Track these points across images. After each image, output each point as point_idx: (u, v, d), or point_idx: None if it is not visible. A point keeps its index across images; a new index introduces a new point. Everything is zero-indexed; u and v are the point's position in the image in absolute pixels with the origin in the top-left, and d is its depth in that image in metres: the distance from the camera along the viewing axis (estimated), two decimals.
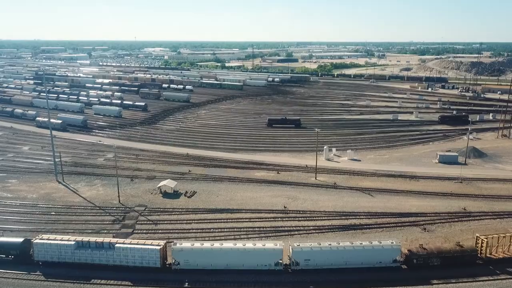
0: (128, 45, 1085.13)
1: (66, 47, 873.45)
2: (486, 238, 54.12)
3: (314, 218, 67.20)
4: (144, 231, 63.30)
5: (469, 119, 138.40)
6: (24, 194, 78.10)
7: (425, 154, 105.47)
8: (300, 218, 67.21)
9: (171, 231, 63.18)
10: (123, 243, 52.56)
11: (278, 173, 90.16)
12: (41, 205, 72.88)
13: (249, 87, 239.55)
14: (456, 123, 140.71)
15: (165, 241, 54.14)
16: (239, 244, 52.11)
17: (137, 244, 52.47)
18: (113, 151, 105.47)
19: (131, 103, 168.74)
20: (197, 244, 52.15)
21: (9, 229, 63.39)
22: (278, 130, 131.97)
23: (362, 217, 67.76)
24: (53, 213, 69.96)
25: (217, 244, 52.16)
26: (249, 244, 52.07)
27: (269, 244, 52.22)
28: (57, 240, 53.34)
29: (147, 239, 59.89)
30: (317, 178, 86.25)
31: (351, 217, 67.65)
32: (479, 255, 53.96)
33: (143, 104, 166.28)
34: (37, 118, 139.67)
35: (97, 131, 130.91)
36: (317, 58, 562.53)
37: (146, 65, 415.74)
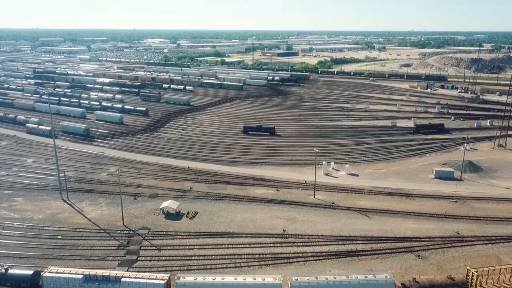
0: (128, 35, 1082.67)
1: (65, 37, 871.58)
2: (476, 271, 56.46)
3: (312, 244, 69.46)
4: (148, 258, 65.61)
5: (444, 128, 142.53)
6: (31, 215, 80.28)
7: (422, 167, 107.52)
8: (299, 244, 69.46)
9: (174, 258, 65.51)
10: (128, 277, 54.81)
11: (277, 190, 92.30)
12: (47, 228, 75.05)
13: (249, 86, 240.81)
14: (432, 132, 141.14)
15: (169, 275, 56.35)
16: (240, 278, 54.33)
17: (142, 278, 54.66)
18: (116, 165, 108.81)
19: (132, 107, 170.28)
20: (200, 278, 54.41)
21: (18, 255, 65.86)
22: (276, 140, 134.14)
23: (359, 242, 70.03)
24: (60, 237, 72.21)
25: (219, 278, 54.40)
26: (250, 278, 54.32)
27: (269, 279, 54.46)
28: (65, 273, 55.55)
29: (151, 267, 62.81)
30: (315, 196, 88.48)
31: (348, 242, 69.92)
32: (469, 287, 56.36)
33: (144, 109, 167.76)
34: (27, 125, 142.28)
35: (99, 140, 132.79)
36: (317, 51, 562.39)
37: (145, 60, 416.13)
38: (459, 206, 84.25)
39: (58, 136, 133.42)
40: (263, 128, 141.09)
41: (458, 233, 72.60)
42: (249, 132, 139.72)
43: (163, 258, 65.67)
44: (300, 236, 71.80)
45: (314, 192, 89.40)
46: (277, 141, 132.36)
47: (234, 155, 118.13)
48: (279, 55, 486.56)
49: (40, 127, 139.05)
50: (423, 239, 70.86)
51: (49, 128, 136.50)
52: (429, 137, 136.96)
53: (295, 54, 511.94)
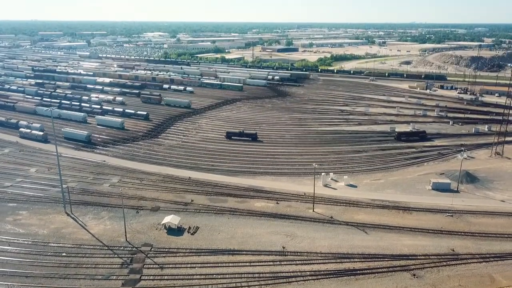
0: (127, 28, 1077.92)
1: (64, 31, 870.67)
2: None
3: (311, 262, 71.20)
4: (151, 277, 67.35)
5: (426, 135, 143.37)
6: (35, 230, 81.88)
7: (419, 178, 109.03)
8: (298, 262, 71.21)
9: (176, 277, 67.27)
10: None
11: (277, 203, 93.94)
12: (52, 244, 76.67)
13: (249, 87, 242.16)
14: (413, 140, 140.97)
15: None
16: None
17: None
18: (118, 175, 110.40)
19: (133, 111, 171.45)
20: None
21: (24, 274, 67.59)
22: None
23: (356, 260, 71.77)
24: (64, 254, 73.90)
25: None
26: None
27: None
28: None
29: (154, 287, 64.71)
30: (314, 209, 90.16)
31: (345, 260, 71.68)
32: None
33: (145, 113, 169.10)
34: (20, 129, 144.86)
35: (100, 147, 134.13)
36: (317, 47, 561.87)
37: (145, 56, 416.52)
38: (455, 220, 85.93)
39: (49, 141, 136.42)
40: (245, 133, 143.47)
41: (453, 250, 74.40)
42: (232, 137, 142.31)
43: (166, 277, 67.37)
44: (299, 254, 73.50)
45: (313, 205, 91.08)
46: (278, 149, 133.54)
47: (235, 164, 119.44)
48: (279, 50, 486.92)
49: (33, 132, 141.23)
50: (419, 257, 72.58)
51: (41, 133, 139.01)
52: (427, 144, 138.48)
53: (295, 49, 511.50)
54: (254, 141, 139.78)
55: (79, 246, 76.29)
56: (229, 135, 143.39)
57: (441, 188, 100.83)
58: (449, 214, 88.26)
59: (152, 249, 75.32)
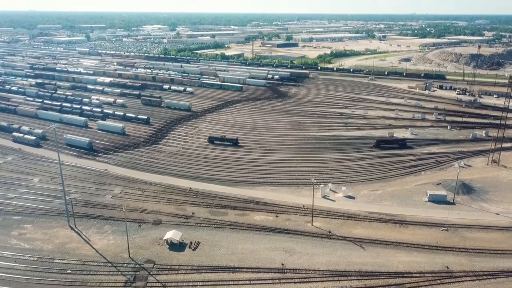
0: (126, 21, 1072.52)
1: (63, 24, 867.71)
2: None
3: (309, 280, 73.28)
4: None
5: (406, 144, 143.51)
6: (40, 245, 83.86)
7: (416, 188, 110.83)
8: (296, 280, 73.29)
9: None
10: None
11: (276, 216, 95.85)
12: (57, 261, 78.63)
13: (249, 86, 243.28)
14: (392, 148, 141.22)
15: None
16: None
17: None
18: (120, 185, 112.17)
19: (133, 115, 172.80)
20: None
21: None
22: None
23: (353, 278, 73.84)
24: (69, 271, 75.88)
25: None
26: None
27: None
28: None
29: None
30: (313, 223, 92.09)
31: (342, 278, 73.71)
32: None
33: (146, 117, 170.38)
34: (13, 133, 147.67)
35: (102, 154, 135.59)
36: (317, 41, 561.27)
37: (145, 51, 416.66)
38: (450, 235, 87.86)
39: (41, 145, 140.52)
40: (226, 139, 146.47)
41: (447, 268, 76.41)
42: (214, 142, 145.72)
43: None
44: (297, 271, 75.53)
45: (312, 219, 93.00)
46: (277, 157, 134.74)
47: (235, 173, 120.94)
48: (279, 46, 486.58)
49: (26, 136, 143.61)
50: (414, 275, 74.65)
51: (34, 137, 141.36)
52: (425, 150, 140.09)
53: (295, 45, 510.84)
54: (236, 146, 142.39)
55: (83, 262, 78.33)
56: (211, 140, 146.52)
57: (437, 200, 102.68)
58: (445, 228, 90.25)
59: (155, 266, 77.35)
